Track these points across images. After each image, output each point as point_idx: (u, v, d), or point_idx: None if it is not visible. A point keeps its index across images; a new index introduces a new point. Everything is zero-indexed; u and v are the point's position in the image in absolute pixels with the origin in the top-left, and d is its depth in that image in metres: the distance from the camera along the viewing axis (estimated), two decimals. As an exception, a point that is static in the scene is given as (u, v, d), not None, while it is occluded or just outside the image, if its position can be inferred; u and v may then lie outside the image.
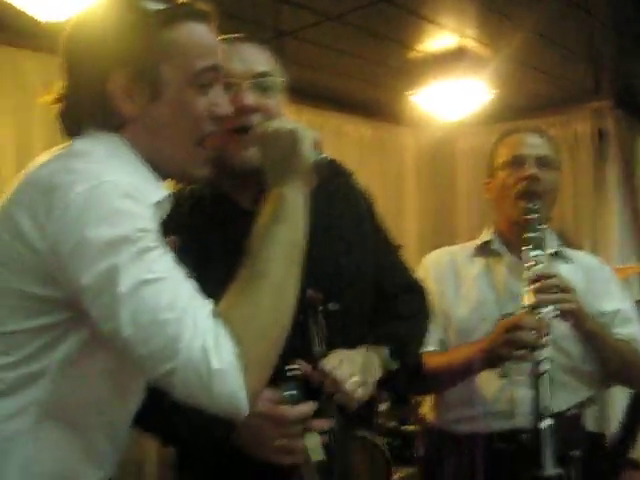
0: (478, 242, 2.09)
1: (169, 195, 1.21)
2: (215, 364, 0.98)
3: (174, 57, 1.17)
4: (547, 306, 1.74)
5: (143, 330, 1.00)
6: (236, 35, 1.54)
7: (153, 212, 1.11)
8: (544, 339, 1.70)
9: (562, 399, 1.84)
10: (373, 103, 5.22)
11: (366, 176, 5.37)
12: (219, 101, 1.24)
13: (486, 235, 2.08)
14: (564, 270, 1.94)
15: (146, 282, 1.01)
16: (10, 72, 3.41)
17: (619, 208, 5.10)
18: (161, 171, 1.23)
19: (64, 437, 1.13)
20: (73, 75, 1.20)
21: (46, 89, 1.25)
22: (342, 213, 1.58)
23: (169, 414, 1.08)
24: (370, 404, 1.46)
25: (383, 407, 3.24)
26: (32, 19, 2.64)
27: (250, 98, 1.45)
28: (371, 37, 3.76)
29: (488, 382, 1.89)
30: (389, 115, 5.36)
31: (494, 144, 2.10)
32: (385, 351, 1.48)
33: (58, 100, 1.23)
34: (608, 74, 4.68)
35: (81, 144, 1.17)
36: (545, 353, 1.69)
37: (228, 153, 1.44)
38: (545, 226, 1.90)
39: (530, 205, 1.89)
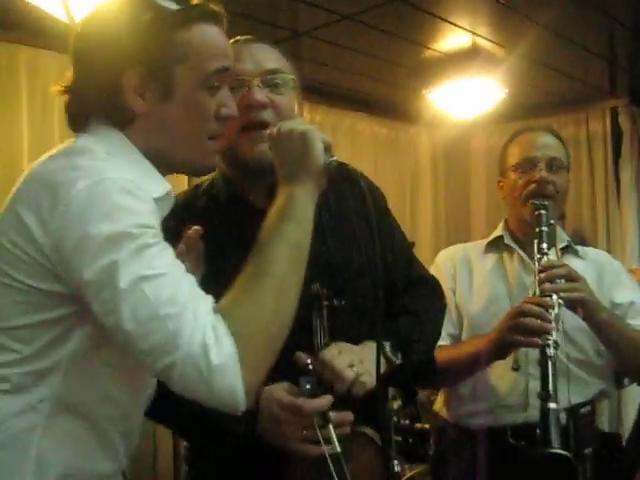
0: (490, 238, 2.11)
1: (170, 191, 1.23)
2: (215, 359, 0.99)
3: (188, 58, 1.19)
4: (554, 295, 1.76)
5: (144, 325, 1.01)
6: (247, 37, 1.58)
7: (154, 207, 1.13)
8: (549, 325, 1.71)
9: (576, 392, 1.85)
10: (388, 102, 5.23)
11: (381, 175, 5.43)
12: (227, 102, 1.26)
13: (498, 231, 2.10)
14: (575, 265, 1.95)
15: (146, 278, 1.02)
16: (31, 72, 3.44)
17: (635, 207, 5.08)
18: (169, 165, 1.25)
19: (77, 431, 1.15)
20: (84, 70, 1.21)
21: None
22: (352, 210, 1.60)
23: (191, 406, 1.10)
24: (374, 399, 1.47)
25: (395, 405, 3.25)
26: (54, 19, 2.67)
27: (260, 94, 1.48)
28: (386, 36, 3.77)
29: (501, 375, 1.91)
30: (403, 114, 5.37)
31: (506, 143, 2.12)
32: (386, 346, 1.49)
33: (66, 92, 1.23)
34: (623, 72, 4.66)
35: (84, 141, 1.18)
36: (551, 338, 1.70)
37: (240, 149, 1.47)
38: (553, 221, 1.92)
39: (538, 202, 1.91)
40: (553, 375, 1.66)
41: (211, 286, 1.10)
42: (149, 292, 1.02)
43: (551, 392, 1.64)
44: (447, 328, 1.99)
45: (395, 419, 3.31)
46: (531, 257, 1.90)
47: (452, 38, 3.85)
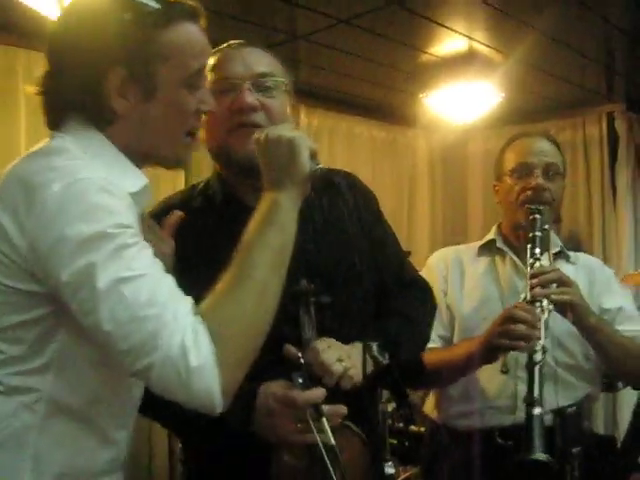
0: (483, 241, 2.12)
1: (147, 185, 1.23)
2: (193, 361, 1.00)
3: (170, 58, 1.19)
4: (544, 300, 1.77)
5: (123, 326, 1.02)
6: (240, 41, 1.60)
7: (130, 203, 1.13)
8: (538, 331, 1.72)
9: (564, 396, 1.87)
10: (385, 106, 5.25)
11: (378, 178, 5.45)
12: (205, 98, 1.27)
13: (491, 234, 2.11)
14: (566, 271, 1.96)
15: (125, 279, 1.03)
16: (29, 75, 3.42)
17: (631, 211, 5.10)
18: (146, 159, 1.25)
19: (74, 431, 1.15)
20: (63, 70, 1.19)
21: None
22: (344, 210, 1.62)
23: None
24: (361, 398, 1.48)
25: (389, 408, 3.26)
26: (51, 22, 2.68)
27: (251, 97, 1.50)
28: (383, 40, 3.79)
29: (491, 378, 1.92)
30: (401, 118, 5.39)
31: (502, 148, 2.12)
32: (373, 346, 1.51)
33: (42, 92, 1.22)
34: (620, 77, 4.68)
35: (61, 141, 1.18)
36: (539, 344, 1.71)
37: (231, 149, 1.49)
38: (547, 227, 1.93)
39: (534, 207, 1.92)
40: (539, 381, 1.67)
41: (205, 284, 1.11)
42: (128, 293, 1.02)
43: (536, 397, 1.65)
44: (438, 330, 2.01)
45: (390, 421, 3.32)
46: (523, 261, 1.92)
47: (449, 43, 3.87)
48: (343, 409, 1.35)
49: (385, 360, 1.51)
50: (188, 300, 1.08)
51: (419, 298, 1.74)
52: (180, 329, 1.02)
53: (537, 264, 1.84)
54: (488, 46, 3.91)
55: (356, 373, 1.41)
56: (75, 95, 1.18)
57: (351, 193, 1.67)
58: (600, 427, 4.86)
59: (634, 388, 3.67)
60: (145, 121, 1.20)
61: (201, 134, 1.59)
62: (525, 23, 3.56)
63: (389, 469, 3.19)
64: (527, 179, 1.97)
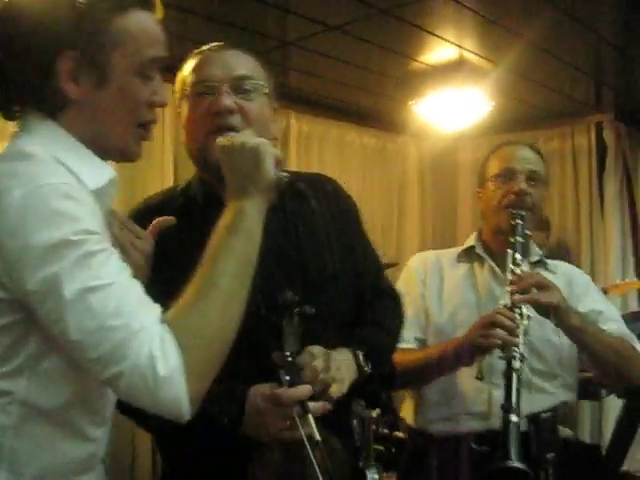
0: (463, 247, 2.13)
1: (115, 177, 1.21)
2: (161, 371, 1.00)
3: (124, 44, 1.17)
4: (524, 307, 1.79)
5: (90, 336, 1.01)
6: (220, 43, 1.60)
7: (94, 207, 1.12)
8: (517, 338, 1.74)
9: (537, 403, 1.88)
10: (375, 113, 5.27)
11: (368, 185, 5.47)
12: (159, 90, 1.25)
13: (471, 240, 2.13)
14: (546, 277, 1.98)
15: (92, 289, 1.02)
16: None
17: (619, 220, 5.13)
18: (102, 152, 1.23)
19: (51, 432, 1.15)
20: (13, 53, 1.16)
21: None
22: (326, 220, 1.61)
23: None
24: (343, 405, 1.49)
25: (374, 414, 3.26)
26: None
27: (228, 100, 1.50)
28: (373, 48, 3.81)
29: (466, 384, 1.93)
30: (391, 125, 5.41)
31: (486, 156, 2.15)
32: (360, 355, 1.52)
33: None
34: (608, 88, 4.72)
35: (23, 143, 1.15)
36: (517, 351, 1.73)
37: (209, 152, 1.46)
38: (529, 232, 1.95)
39: (516, 212, 1.94)
40: (517, 388, 1.69)
41: (185, 285, 1.12)
42: (95, 303, 1.02)
43: (514, 405, 1.67)
44: (415, 332, 2.02)
45: (374, 427, 3.31)
46: (502, 268, 1.93)
47: (439, 51, 3.90)
48: (328, 406, 1.36)
49: (368, 369, 1.53)
50: (156, 308, 1.08)
51: (392, 308, 1.75)
52: (148, 338, 1.02)
53: (517, 270, 1.85)
54: (478, 55, 3.93)
55: (339, 389, 1.43)
56: (26, 78, 1.16)
57: (324, 199, 1.65)
58: (586, 436, 4.87)
59: (619, 396, 3.71)
60: (97, 108, 1.18)
61: (182, 136, 1.60)
62: (515, 32, 3.59)
63: (373, 475, 3.19)
64: (510, 184, 1.99)
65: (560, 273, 2.10)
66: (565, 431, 2.21)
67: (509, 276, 1.85)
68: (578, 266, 5.02)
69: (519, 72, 4.17)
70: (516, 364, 1.71)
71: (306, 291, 1.46)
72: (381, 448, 3.38)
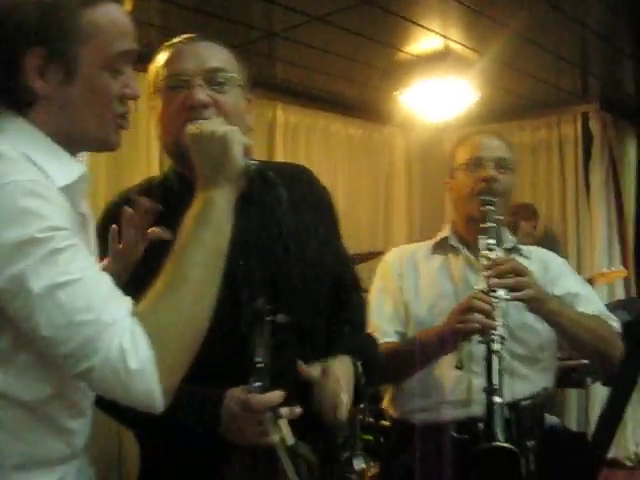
0: (437, 239, 2.15)
1: (85, 173, 1.20)
2: (132, 364, 1.01)
3: (92, 39, 1.15)
4: (500, 290, 1.80)
5: (61, 331, 1.02)
6: (192, 35, 1.57)
7: (62, 203, 1.11)
8: (495, 321, 1.75)
9: (518, 389, 1.88)
10: (362, 103, 5.27)
11: (355, 175, 5.48)
12: (130, 83, 1.23)
13: (444, 232, 2.14)
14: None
15: (60, 285, 1.02)
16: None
17: (605, 210, 5.16)
18: (80, 144, 1.23)
19: (30, 424, 1.15)
20: None
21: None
22: (296, 209, 1.56)
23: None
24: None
25: (361, 405, 3.27)
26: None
27: (201, 94, 1.48)
28: (358, 38, 3.80)
29: (446, 373, 1.94)
30: (378, 115, 5.41)
31: (454, 146, 2.16)
32: (359, 367, 1.54)
33: None
34: (594, 78, 4.74)
35: None
36: (496, 333, 1.74)
37: (184, 146, 1.41)
38: (501, 217, 1.97)
39: (486, 198, 1.96)
40: (498, 370, 1.70)
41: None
42: (64, 299, 1.02)
43: (496, 386, 1.68)
44: (395, 325, 2.03)
45: (360, 417, 3.32)
46: (477, 257, 1.94)
47: (424, 41, 3.89)
48: (298, 409, 1.36)
49: (364, 380, 1.54)
50: (126, 301, 1.08)
51: (362, 305, 1.78)
52: (118, 332, 1.02)
53: (492, 255, 1.87)
54: (463, 45, 3.93)
55: (347, 407, 1.46)
56: None
57: (296, 188, 1.64)
58: (573, 424, 4.91)
59: (604, 384, 3.75)
60: (67, 104, 1.17)
61: (156, 130, 1.59)
62: (500, 23, 3.59)
63: (359, 464, 3.20)
64: (479, 171, 2.01)
65: (535, 258, 2.11)
66: (552, 419, 2.22)
67: (483, 261, 1.86)
68: (565, 255, 5.11)
69: (505, 62, 4.18)
70: (495, 346, 1.72)
71: (277, 301, 1.44)
72: (370, 437, 3.40)
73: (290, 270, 1.52)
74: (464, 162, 2.06)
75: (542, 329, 1.95)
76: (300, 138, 5.09)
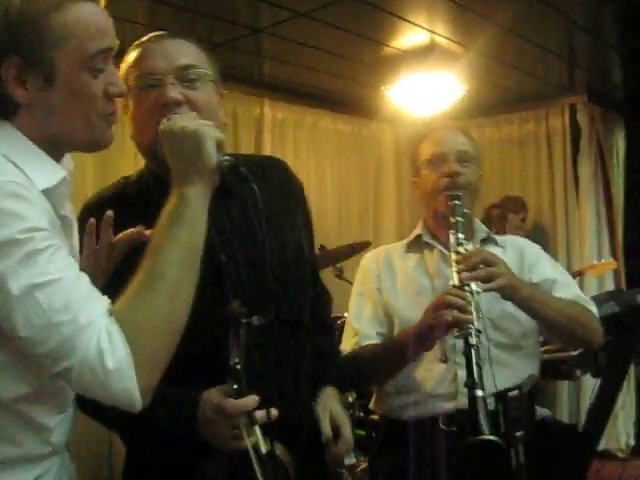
0: (410, 237, 2.17)
1: (65, 177, 1.20)
2: (109, 364, 1.02)
3: (65, 42, 1.14)
4: (472, 284, 1.81)
5: (39, 332, 1.03)
6: (160, 33, 1.56)
7: (43, 206, 1.11)
8: (470, 314, 1.76)
9: (503, 379, 1.88)
10: (350, 99, 5.26)
11: (344, 171, 5.47)
12: (114, 80, 1.23)
13: (417, 230, 2.16)
14: (495, 253, 2.01)
15: (38, 285, 1.03)
16: None
17: (593, 202, 5.17)
18: (68, 146, 1.23)
19: (4, 419, 1.15)
20: None
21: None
22: (269, 205, 1.57)
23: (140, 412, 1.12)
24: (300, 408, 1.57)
25: (350, 398, 3.28)
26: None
27: (174, 92, 1.47)
28: (344, 33, 3.79)
29: (431, 367, 1.95)
30: (366, 110, 5.40)
31: (416, 144, 2.19)
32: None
33: None
34: (581, 70, 4.74)
35: None
36: (472, 327, 1.75)
37: (159, 147, 1.41)
38: (467, 211, 1.99)
39: (452, 193, 1.98)
40: (477, 363, 1.71)
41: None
42: (42, 300, 1.02)
43: (476, 380, 1.69)
44: (375, 327, 2.05)
45: (350, 412, 3.33)
46: (456, 243, 1.96)
47: (410, 36, 3.88)
48: (274, 412, 1.35)
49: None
50: (104, 301, 1.09)
51: (329, 305, 1.81)
52: (95, 333, 1.03)
53: (461, 249, 1.88)
54: (449, 39, 3.93)
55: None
56: None
57: (270, 183, 1.63)
58: (564, 416, 4.93)
59: (593, 376, 3.76)
60: (50, 108, 1.17)
61: (129, 129, 1.57)
62: (486, 16, 3.58)
63: (349, 459, 3.21)
64: (442, 167, 2.04)
65: (510, 247, 2.13)
66: (543, 411, 2.23)
67: (453, 256, 1.88)
68: (554, 248, 5.12)
69: (491, 56, 4.18)
70: (472, 340, 1.73)
71: (253, 303, 1.43)
72: (362, 433, 3.40)
73: (266, 267, 1.52)
74: (427, 159, 2.09)
75: (524, 317, 1.96)
76: (288, 134, 5.08)
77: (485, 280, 1.82)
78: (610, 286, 5.02)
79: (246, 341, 1.34)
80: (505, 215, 4.78)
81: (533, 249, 2.16)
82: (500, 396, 1.86)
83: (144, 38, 1.56)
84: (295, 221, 1.68)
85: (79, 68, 1.17)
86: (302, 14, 3.49)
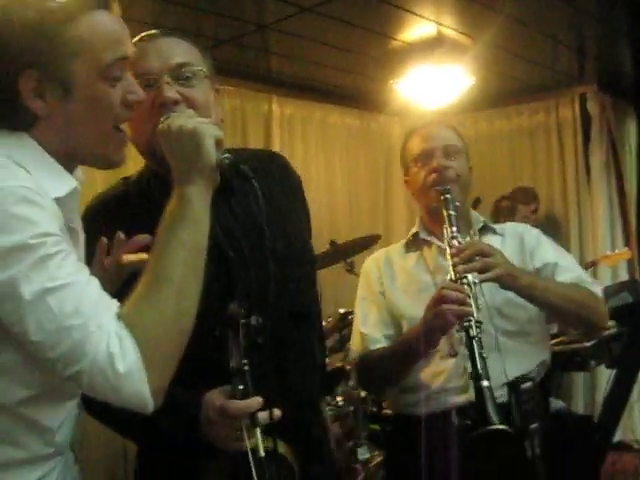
0: (409, 236, 2.17)
1: (76, 187, 1.21)
2: (120, 368, 1.03)
3: (81, 53, 1.15)
4: (469, 276, 1.80)
5: (50, 336, 1.03)
6: (153, 32, 1.55)
7: (54, 211, 1.12)
8: (469, 307, 1.75)
9: (512, 367, 1.87)
10: (357, 93, 5.25)
11: (354, 165, 5.46)
12: (132, 88, 1.23)
13: (415, 227, 2.17)
14: (494, 242, 2.02)
15: (50, 290, 1.03)
16: None
17: (605, 192, 5.13)
18: (81, 160, 1.24)
19: (6, 422, 1.15)
20: None
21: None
22: (256, 204, 1.50)
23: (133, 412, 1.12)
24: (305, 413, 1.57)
25: (363, 393, 3.28)
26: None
27: (170, 91, 1.46)
28: (350, 28, 3.78)
29: (440, 362, 1.94)
30: (374, 104, 5.39)
31: (403, 143, 2.19)
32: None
33: None
34: (591, 59, 4.70)
35: None
36: (472, 319, 1.74)
37: (158, 147, 1.39)
38: (459, 204, 1.99)
39: (441, 187, 1.98)
40: (480, 354, 1.71)
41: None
42: (53, 304, 1.03)
43: (480, 371, 1.69)
44: (382, 330, 2.05)
45: (363, 407, 3.32)
46: (451, 237, 1.95)
47: (417, 28, 3.87)
48: (277, 412, 1.34)
49: None
50: (114, 305, 1.09)
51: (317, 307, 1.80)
52: (105, 337, 1.04)
53: (455, 242, 1.88)
54: (457, 30, 3.91)
55: None
56: None
57: (271, 179, 1.62)
58: (580, 407, 4.91)
59: (607, 367, 3.73)
60: (69, 119, 1.18)
61: (127, 130, 1.57)
62: (493, 7, 3.56)
63: (362, 454, 3.22)
64: (429, 163, 2.04)
65: (509, 234, 2.13)
66: (557, 403, 2.21)
67: (449, 250, 1.88)
68: (567, 239, 5.09)
69: (499, 46, 4.15)
70: (473, 332, 1.73)
71: (252, 300, 1.43)
72: (376, 427, 3.41)
73: (272, 261, 1.52)
74: (414, 156, 2.09)
75: (528, 303, 1.94)
76: (296, 130, 5.07)
77: (481, 271, 1.81)
78: (624, 276, 4.99)
79: (246, 342, 1.33)
80: (515, 207, 4.75)
81: (532, 234, 2.15)
82: (513, 387, 1.85)
83: (136, 38, 1.53)
84: (297, 215, 1.68)
85: (96, 77, 1.17)
86: (307, 9, 3.48)
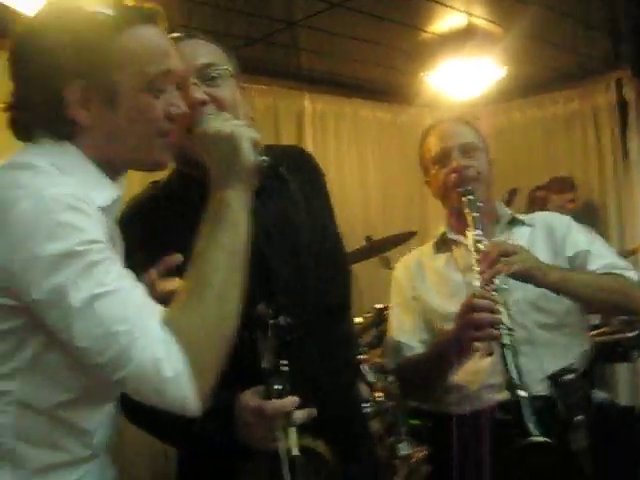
0: (437, 237, 2.14)
1: (119, 196, 1.23)
2: (166, 373, 1.04)
3: (127, 65, 1.17)
4: (496, 280, 1.77)
5: (97, 342, 1.05)
6: (175, 35, 1.52)
7: (99, 218, 1.13)
8: (499, 316, 1.72)
9: (552, 360, 1.85)
10: (389, 86, 5.23)
11: (387, 158, 5.44)
12: (174, 101, 1.25)
13: (442, 227, 2.13)
14: (523, 233, 1.99)
15: (97, 296, 1.04)
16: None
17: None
18: (124, 167, 1.25)
19: (45, 425, 1.17)
20: (25, 83, 1.20)
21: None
22: (293, 205, 1.52)
23: (168, 415, 1.13)
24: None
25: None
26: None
27: (198, 93, 1.45)
28: (380, 21, 3.77)
29: (479, 360, 1.91)
30: (406, 97, 5.35)
31: (420, 142, 2.15)
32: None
33: (9, 107, 1.22)
34: (626, 43, 4.62)
35: (28, 155, 1.17)
36: (503, 327, 1.71)
37: (189, 150, 1.41)
38: (481, 204, 1.93)
39: (462, 189, 1.94)
40: (514, 363, 1.67)
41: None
42: (100, 310, 1.04)
43: (515, 380, 1.65)
44: (418, 335, 2.02)
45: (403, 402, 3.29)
46: (475, 242, 1.92)
47: (447, 19, 3.85)
48: (313, 412, 1.34)
49: None
50: (159, 310, 1.10)
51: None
52: (151, 342, 1.05)
53: (481, 245, 1.84)
54: (487, 20, 3.87)
55: None
56: (37, 109, 1.19)
57: (304, 180, 1.59)
58: (623, 398, 4.84)
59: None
60: (112, 130, 1.19)
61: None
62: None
63: (403, 450, 3.20)
64: (448, 164, 1.99)
65: (539, 224, 2.08)
66: (600, 394, 2.18)
67: (474, 255, 1.83)
68: (606, 227, 5.01)
69: (531, 35, 4.10)
70: (505, 339, 1.70)
71: (279, 301, 1.41)
72: (417, 422, 3.38)
73: (310, 259, 1.52)
74: (432, 157, 2.05)
75: None
76: (329, 126, 5.07)
77: (508, 272, 1.77)
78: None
79: (276, 342, 1.33)
80: (548, 196, 4.69)
81: (562, 222, 2.10)
82: (555, 381, 1.83)
83: None
84: (328, 213, 1.67)
85: (141, 90, 1.19)
86: (336, 4, 3.48)
